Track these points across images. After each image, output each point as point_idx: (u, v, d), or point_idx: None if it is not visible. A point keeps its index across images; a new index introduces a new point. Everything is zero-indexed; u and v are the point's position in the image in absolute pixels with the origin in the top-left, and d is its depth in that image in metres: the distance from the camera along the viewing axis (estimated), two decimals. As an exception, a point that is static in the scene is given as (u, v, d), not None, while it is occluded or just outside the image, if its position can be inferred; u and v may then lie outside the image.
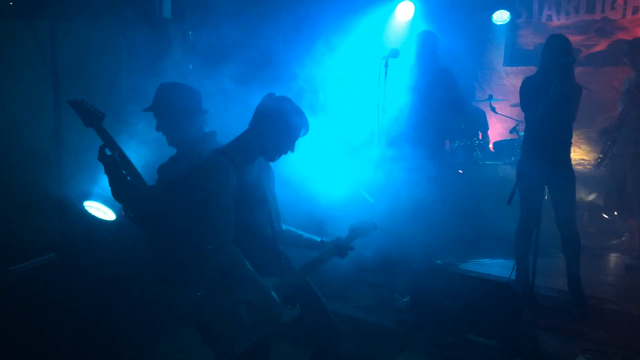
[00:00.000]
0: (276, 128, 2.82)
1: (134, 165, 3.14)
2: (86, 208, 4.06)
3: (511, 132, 6.67)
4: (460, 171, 6.13)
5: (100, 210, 4.04)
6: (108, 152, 3.04)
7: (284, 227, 3.23)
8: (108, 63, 4.66)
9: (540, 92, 4.19)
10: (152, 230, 3.11)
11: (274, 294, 2.79)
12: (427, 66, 5.15)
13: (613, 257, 5.69)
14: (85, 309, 3.73)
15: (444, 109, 5.08)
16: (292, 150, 2.92)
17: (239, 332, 2.73)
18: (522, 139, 6.33)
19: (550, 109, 4.19)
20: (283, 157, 2.95)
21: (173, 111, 3.05)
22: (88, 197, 4.02)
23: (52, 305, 3.83)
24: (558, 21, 6.95)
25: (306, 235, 3.25)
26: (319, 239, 3.23)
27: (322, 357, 3.03)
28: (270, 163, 3.04)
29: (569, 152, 4.47)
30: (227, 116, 3.45)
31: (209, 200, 2.69)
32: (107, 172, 3.06)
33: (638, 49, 5.54)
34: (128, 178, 3.10)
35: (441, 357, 3.95)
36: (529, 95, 4.47)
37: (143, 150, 3.47)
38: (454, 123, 5.69)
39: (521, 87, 4.57)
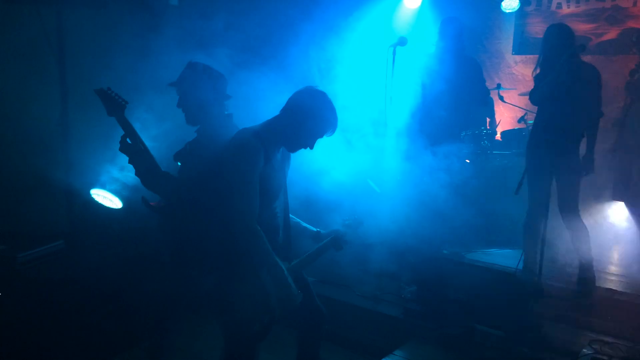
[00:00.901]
0: (306, 123, 2.81)
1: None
2: (93, 196, 4.06)
3: (519, 121, 6.62)
4: (468, 160, 6.09)
5: (107, 198, 4.05)
6: (129, 142, 3.01)
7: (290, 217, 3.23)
8: (115, 51, 4.64)
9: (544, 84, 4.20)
10: (177, 216, 3.09)
11: (290, 280, 2.79)
12: (453, 54, 4.99)
13: (621, 248, 5.65)
14: (92, 295, 3.76)
15: (470, 100, 4.95)
16: (312, 148, 2.92)
17: (255, 315, 2.75)
18: (529, 127, 6.32)
19: (555, 99, 4.18)
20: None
21: (197, 90, 3.02)
22: (95, 185, 4.03)
23: (59, 292, 3.86)
24: (568, 9, 6.87)
25: (303, 223, 3.25)
26: (315, 230, 3.25)
27: (308, 338, 3.15)
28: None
29: (577, 143, 4.41)
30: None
31: (238, 177, 2.67)
32: (132, 162, 3.02)
33: (625, 44, 5.49)
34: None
35: (447, 346, 3.95)
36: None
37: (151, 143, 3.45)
38: (478, 115, 5.49)
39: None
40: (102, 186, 4.02)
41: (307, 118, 2.81)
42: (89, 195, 4.05)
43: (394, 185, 4.83)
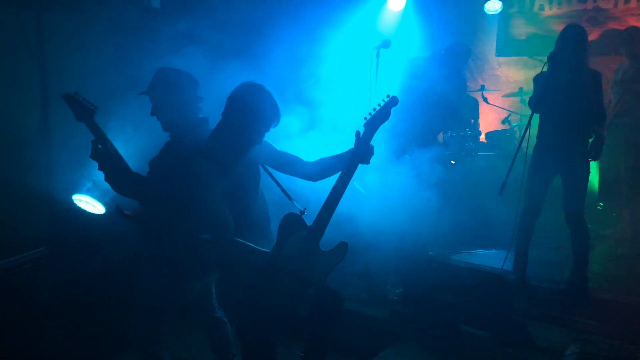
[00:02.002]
0: (247, 121, 2.75)
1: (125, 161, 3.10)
2: (75, 202, 4.02)
3: (503, 122, 6.66)
4: (453, 162, 6.12)
5: (90, 204, 4.00)
6: (100, 147, 2.98)
7: (309, 162, 3.04)
8: (95, 54, 4.60)
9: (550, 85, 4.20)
10: (148, 224, 3.08)
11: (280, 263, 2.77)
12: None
13: (606, 247, 5.70)
14: (74, 302, 3.72)
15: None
16: (259, 143, 2.85)
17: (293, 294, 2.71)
18: (513, 129, 6.37)
19: (561, 100, 4.18)
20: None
21: (170, 95, 3.01)
22: (77, 190, 3.98)
23: (42, 299, 3.81)
24: (550, 11, 6.94)
25: (330, 157, 3.00)
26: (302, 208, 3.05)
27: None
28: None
29: (586, 143, 4.36)
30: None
31: (197, 201, 2.68)
32: (101, 168, 2.99)
33: (635, 37, 5.53)
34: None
35: (433, 347, 3.95)
36: (542, 87, 4.37)
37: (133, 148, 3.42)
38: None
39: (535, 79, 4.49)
40: (84, 192, 3.97)
41: (247, 116, 2.74)
42: (71, 200, 4.00)
43: (379, 187, 4.82)
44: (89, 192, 3.94)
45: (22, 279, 3.88)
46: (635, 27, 5.70)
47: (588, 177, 4.39)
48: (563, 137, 4.29)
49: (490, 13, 7.08)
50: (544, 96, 4.29)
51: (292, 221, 2.84)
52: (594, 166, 5.18)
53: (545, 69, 4.24)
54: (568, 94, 4.22)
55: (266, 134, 2.90)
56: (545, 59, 4.23)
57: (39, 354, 3.63)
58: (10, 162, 4.17)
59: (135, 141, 3.22)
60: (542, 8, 6.99)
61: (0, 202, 4.21)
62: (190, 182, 2.68)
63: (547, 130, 4.40)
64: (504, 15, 7.23)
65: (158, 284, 3.01)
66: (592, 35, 6.63)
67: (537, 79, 4.43)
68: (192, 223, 2.81)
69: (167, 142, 3.11)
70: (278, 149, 3.01)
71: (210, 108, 3.05)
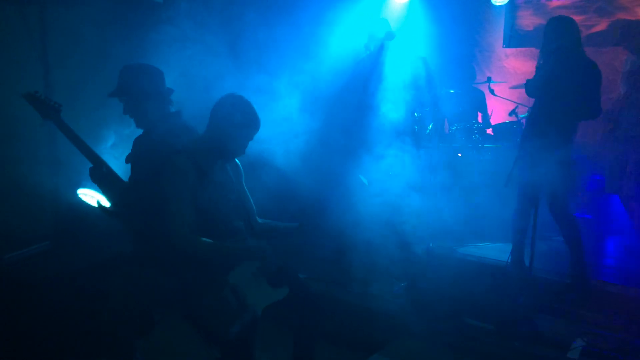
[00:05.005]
0: (229, 133, 2.87)
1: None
2: (79, 196, 4.02)
3: (510, 114, 6.60)
4: (459, 154, 6.08)
5: (94, 197, 4.01)
6: (96, 169, 3.02)
7: (260, 220, 3.27)
8: (99, 49, 4.60)
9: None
10: (127, 223, 3.09)
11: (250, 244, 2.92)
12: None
13: (613, 239, 5.64)
14: (78, 296, 3.72)
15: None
16: (243, 153, 2.99)
17: (229, 315, 2.74)
18: (520, 121, 6.31)
19: (549, 91, 4.14)
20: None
21: (137, 93, 3.01)
22: (81, 184, 3.99)
23: (46, 293, 3.83)
24: (558, 1, 6.85)
25: (282, 224, 3.26)
26: (296, 224, 3.24)
27: (306, 334, 3.14)
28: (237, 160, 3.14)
29: (569, 137, 4.31)
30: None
31: (166, 195, 2.74)
32: (101, 187, 3.08)
33: (629, 33, 5.47)
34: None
35: (438, 341, 3.93)
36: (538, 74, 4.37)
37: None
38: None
39: None
40: (89, 185, 3.98)
41: (228, 128, 2.86)
42: (76, 194, 4.01)
43: (384, 180, 4.80)
44: (93, 186, 3.95)
45: (26, 273, 3.90)
46: (628, 23, 5.62)
47: (571, 171, 4.37)
48: (547, 127, 4.21)
49: (497, 4, 7.01)
50: (538, 83, 4.28)
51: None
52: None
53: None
54: (556, 83, 4.15)
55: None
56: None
57: (42, 347, 3.64)
58: (14, 157, 4.18)
59: (136, 135, 3.20)
60: (549, -1, 6.91)
61: (4, 196, 4.22)
62: (167, 176, 2.75)
63: (533, 119, 4.39)
64: (511, 6, 7.16)
65: (139, 282, 3.00)
66: (600, 26, 6.56)
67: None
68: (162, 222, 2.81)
69: (138, 136, 3.12)
70: (246, 188, 3.21)
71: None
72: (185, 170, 2.76)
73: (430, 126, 5.61)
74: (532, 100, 5.02)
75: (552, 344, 3.71)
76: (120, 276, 3.07)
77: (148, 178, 2.89)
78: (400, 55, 5.06)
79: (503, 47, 7.40)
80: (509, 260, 4.40)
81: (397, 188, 4.51)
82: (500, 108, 7.00)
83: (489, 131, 6.42)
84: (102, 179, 3.07)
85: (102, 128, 3.93)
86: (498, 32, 7.40)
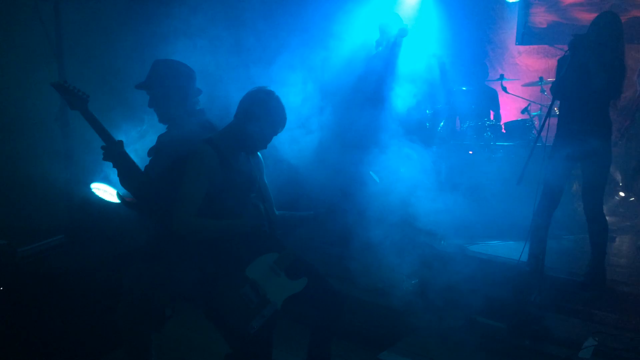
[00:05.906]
0: (255, 127, 2.88)
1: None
2: (93, 190, 4.05)
3: (523, 112, 6.57)
4: (471, 152, 6.06)
5: (107, 192, 4.04)
6: (112, 147, 2.97)
7: (277, 212, 3.28)
8: (113, 42, 4.62)
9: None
10: (147, 213, 3.10)
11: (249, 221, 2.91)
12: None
13: (626, 239, 5.60)
14: (91, 289, 3.75)
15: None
16: (265, 147, 3.03)
17: (249, 311, 2.75)
18: (532, 119, 6.28)
19: (582, 88, 4.07)
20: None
21: (166, 88, 3.02)
22: (95, 179, 4.02)
23: (59, 287, 3.86)
24: (572, -1, 6.80)
25: (298, 213, 3.28)
26: (312, 213, 3.26)
27: (325, 326, 3.11)
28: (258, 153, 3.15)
29: (608, 133, 4.23)
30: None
31: (184, 179, 2.76)
32: (116, 166, 3.00)
33: (630, 34, 5.39)
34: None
35: (449, 339, 3.93)
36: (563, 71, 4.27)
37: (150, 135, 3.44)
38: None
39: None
40: (102, 180, 4.01)
41: (254, 122, 2.88)
42: (89, 189, 4.04)
43: (395, 177, 4.80)
44: (106, 181, 3.98)
45: (40, 266, 3.93)
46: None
47: (609, 167, 4.27)
48: (583, 124, 4.16)
49: (511, 1, 6.98)
50: (564, 81, 4.19)
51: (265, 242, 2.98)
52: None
53: (567, 53, 4.14)
54: (588, 79, 4.10)
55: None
56: (566, 47, 4.14)
57: (57, 340, 3.68)
58: (29, 152, 4.22)
59: (152, 126, 3.23)
60: (563, -4, 6.86)
61: (19, 190, 4.27)
62: (188, 162, 2.77)
63: (567, 117, 4.29)
64: (524, 4, 7.11)
65: (152, 272, 3.02)
66: (615, 24, 6.49)
67: (561, 62, 4.32)
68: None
69: (162, 133, 3.12)
70: (267, 182, 3.24)
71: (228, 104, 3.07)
72: (206, 157, 2.77)
73: (442, 123, 5.59)
74: (543, 97, 5.03)
75: (564, 343, 3.70)
76: (134, 270, 3.09)
77: (167, 168, 2.91)
78: (413, 52, 5.05)
79: (516, 44, 7.35)
80: (521, 259, 4.37)
81: (407, 185, 4.50)
82: (512, 106, 6.97)
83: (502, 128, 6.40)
84: (118, 158, 3.01)
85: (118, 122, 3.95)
86: (511, 30, 7.36)
